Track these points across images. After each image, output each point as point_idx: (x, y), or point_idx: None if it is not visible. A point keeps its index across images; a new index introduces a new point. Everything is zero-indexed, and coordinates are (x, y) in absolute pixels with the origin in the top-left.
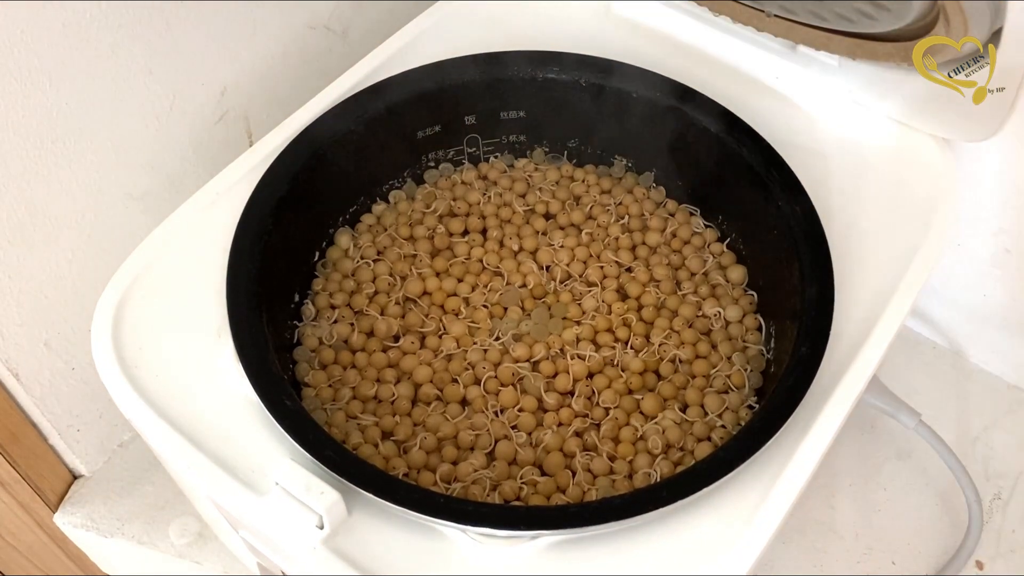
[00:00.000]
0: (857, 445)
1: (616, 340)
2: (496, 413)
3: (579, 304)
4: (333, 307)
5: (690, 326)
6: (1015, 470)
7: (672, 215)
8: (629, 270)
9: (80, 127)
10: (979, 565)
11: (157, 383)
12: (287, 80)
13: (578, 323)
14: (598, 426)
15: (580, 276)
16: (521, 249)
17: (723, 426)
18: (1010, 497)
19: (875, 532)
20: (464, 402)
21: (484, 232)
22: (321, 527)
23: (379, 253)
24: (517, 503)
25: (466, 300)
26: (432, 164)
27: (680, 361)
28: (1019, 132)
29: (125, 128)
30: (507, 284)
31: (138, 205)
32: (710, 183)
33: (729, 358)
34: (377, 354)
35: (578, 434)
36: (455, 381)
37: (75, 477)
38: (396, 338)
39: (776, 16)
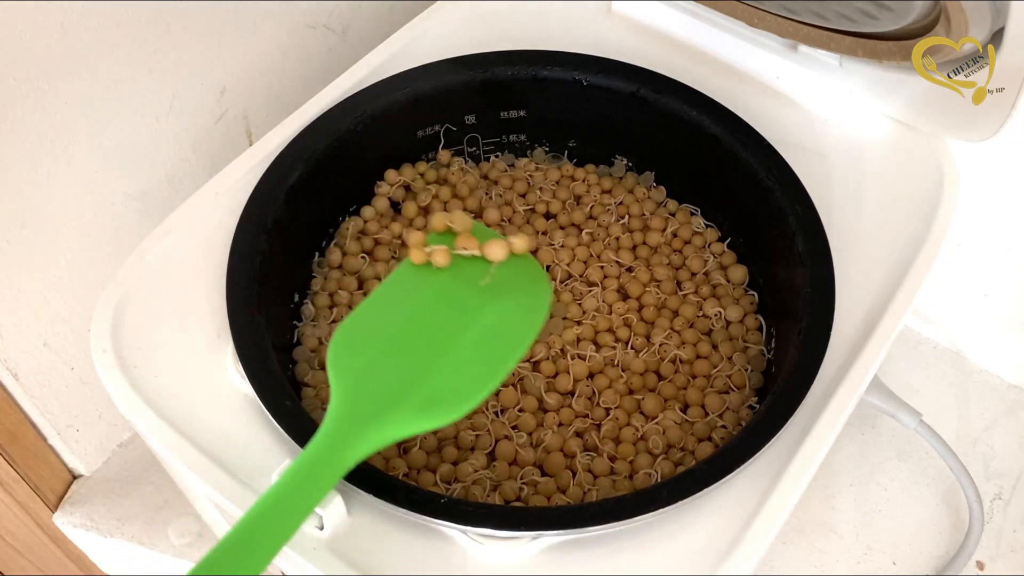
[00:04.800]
0: (858, 445)
1: (617, 340)
2: (496, 413)
3: (580, 304)
4: (333, 307)
5: (691, 326)
6: (1016, 470)
7: (673, 215)
8: (630, 270)
9: (79, 127)
10: (980, 565)
11: (157, 383)
12: (287, 80)
13: (579, 323)
14: (599, 426)
15: (581, 276)
16: None
17: (724, 426)
18: (1011, 497)
19: (876, 532)
20: None
21: None
22: (321, 528)
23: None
24: (518, 504)
25: None
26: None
27: (681, 361)
28: (1019, 132)
29: (124, 128)
30: None
31: (137, 205)
32: (711, 182)
33: (730, 358)
34: None
35: (579, 434)
36: None
37: (74, 477)
38: None
39: (777, 15)
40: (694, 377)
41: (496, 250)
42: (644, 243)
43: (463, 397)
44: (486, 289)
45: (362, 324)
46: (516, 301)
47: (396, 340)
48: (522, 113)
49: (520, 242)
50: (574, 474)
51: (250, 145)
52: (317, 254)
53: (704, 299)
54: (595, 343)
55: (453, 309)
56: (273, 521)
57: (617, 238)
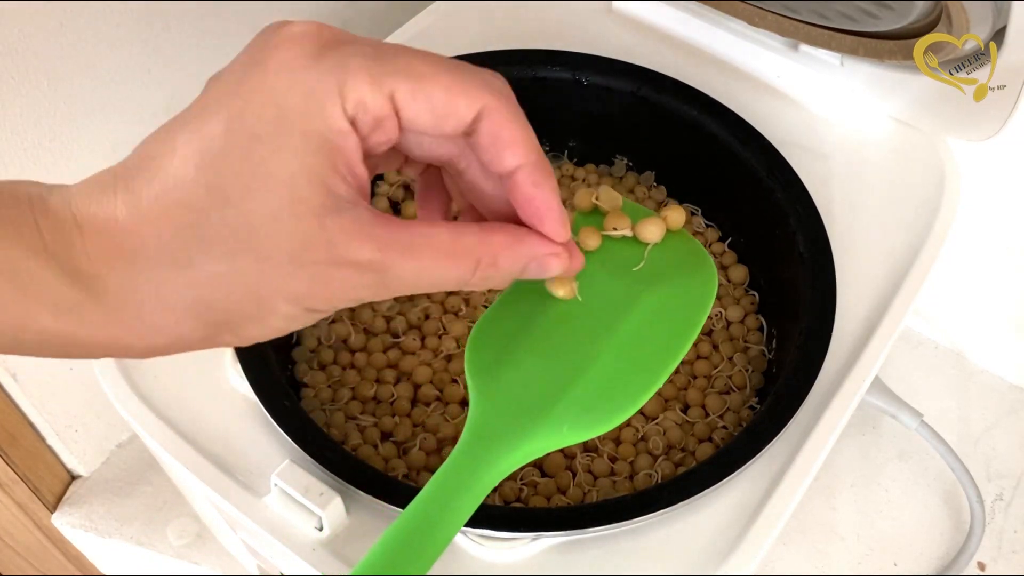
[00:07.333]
0: (859, 446)
1: None
2: None
3: None
4: None
5: None
6: (1017, 470)
7: None
8: None
9: (77, 127)
10: (981, 566)
11: (155, 383)
12: None
13: None
14: None
15: None
16: None
17: (724, 427)
18: (1012, 498)
19: (876, 533)
20: (464, 402)
21: None
22: (320, 528)
23: None
24: (517, 504)
25: (466, 299)
26: None
27: (681, 361)
28: (1020, 133)
29: (122, 128)
30: None
31: None
32: (711, 182)
33: (731, 358)
34: (377, 354)
35: None
36: (455, 381)
37: (73, 478)
38: (395, 336)
39: (778, 14)
40: (695, 377)
41: (652, 229)
42: None
43: (620, 403)
44: (640, 275)
45: (502, 320)
46: (676, 285)
47: (541, 338)
48: None
49: (676, 215)
50: (574, 474)
51: None
52: None
53: None
54: None
55: (604, 300)
56: (412, 542)
57: None
